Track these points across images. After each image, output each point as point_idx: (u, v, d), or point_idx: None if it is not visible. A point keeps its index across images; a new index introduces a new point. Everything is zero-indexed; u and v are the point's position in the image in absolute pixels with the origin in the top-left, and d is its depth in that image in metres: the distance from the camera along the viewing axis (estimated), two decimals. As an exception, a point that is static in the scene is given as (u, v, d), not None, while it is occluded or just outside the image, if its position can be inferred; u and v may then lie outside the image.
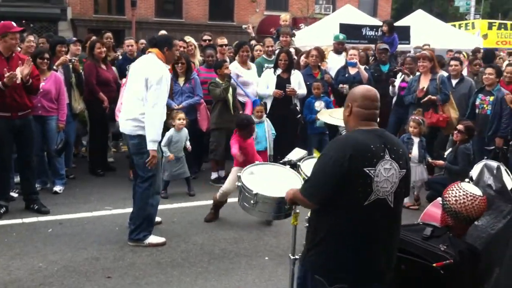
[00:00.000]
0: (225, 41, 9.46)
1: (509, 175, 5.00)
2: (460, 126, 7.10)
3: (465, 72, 10.02)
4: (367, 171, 2.89)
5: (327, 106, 8.06)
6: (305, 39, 13.44)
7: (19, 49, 7.15)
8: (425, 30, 15.25)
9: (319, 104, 8.11)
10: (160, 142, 5.66)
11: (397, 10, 35.59)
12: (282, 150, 8.08)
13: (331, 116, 4.66)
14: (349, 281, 3.01)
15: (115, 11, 27.69)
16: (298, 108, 8.29)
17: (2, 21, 6.18)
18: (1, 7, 22.43)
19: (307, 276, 3.20)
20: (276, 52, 8.86)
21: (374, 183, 2.91)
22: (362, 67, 8.88)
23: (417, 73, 8.52)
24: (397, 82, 8.90)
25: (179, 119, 7.29)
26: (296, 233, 3.99)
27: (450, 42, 15.56)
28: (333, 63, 9.45)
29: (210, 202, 7.01)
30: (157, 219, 6.19)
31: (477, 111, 7.78)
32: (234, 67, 8.37)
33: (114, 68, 8.60)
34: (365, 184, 2.90)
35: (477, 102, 7.79)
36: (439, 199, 4.53)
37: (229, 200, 6.44)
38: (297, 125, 8.43)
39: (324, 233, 3.06)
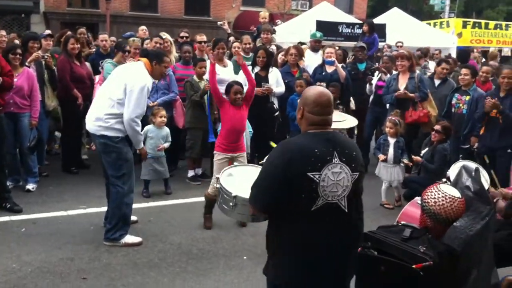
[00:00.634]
0: (204, 38, 9.37)
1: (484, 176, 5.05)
2: (437, 127, 7.16)
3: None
4: (311, 176, 2.82)
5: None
6: (282, 35, 13.43)
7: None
8: (401, 28, 15.42)
9: (302, 102, 8.08)
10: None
11: (373, 7, 35.81)
12: (258, 149, 8.09)
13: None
14: None
15: (89, 5, 27.26)
16: (275, 106, 8.25)
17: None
18: (-29, -1, 21.97)
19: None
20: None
21: (320, 187, 2.85)
22: (339, 65, 8.89)
23: (394, 72, 8.57)
24: (374, 81, 8.94)
25: (161, 117, 7.20)
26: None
27: (425, 40, 15.74)
28: (310, 61, 9.43)
29: (187, 200, 7.02)
30: (133, 218, 6.12)
31: (453, 110, 7.85)
32: (210, 65, 8.29)
33: (88, 64, 8.45)
34: (310, 189, 2.84)
35: (453, 101, 7.85)
36: (417, 198, 4.57)
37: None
38: (275, 123, 8.38)
39: (278, 243, 3.04)
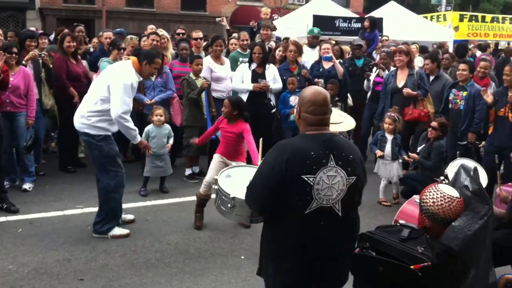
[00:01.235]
0: (200, 34, 9.31)
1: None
2: (434, 123, 7.13)
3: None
4: (305, 178, 2.82)
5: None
6: (279, 30, 13.32)
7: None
8: (398, 22, 15.37)
9: (294, 99, 8.05)
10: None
11: (370, 1, 35.68)
12: (256, 146, 8.03)
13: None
14: None
15: (85, 0, 27.12)
16: (272, 103, 8.21)
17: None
18: (-34, -4, 21.86)
19: None
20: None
21: (314, 190, 2.84)
22: (337, 62, 8.85)
23: (392, 68, 8.54)
24: (372, 77, 8.91)
25: (156, 115, 7.18)
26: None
27: (422, 34, 15.72)
28: (307, 57, 9.38)
29: (184, 199, 6.98)
30: (130, 216, 6.15)
31: (450, 106, 7.81)
32: (208, 62, 8.25)
33: (84, 62, 8.40)
34: (304, 192, 2.83)
35: (451, 97, 7.81)
36: (415, 196, 4.56)
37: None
38: (272, 120, 8.35)
39: (272, 246, 3.03)
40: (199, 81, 7.68)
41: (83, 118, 5.44)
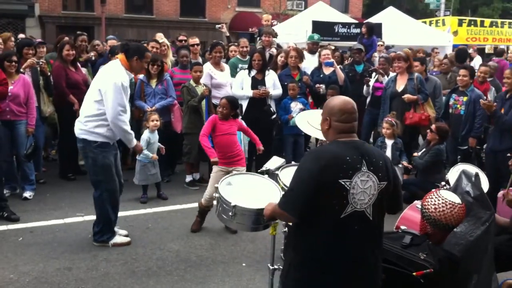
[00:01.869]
0: (196, 40, 9.33)
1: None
2: (433, 126, 7.14)
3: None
4: (342, 183, 2.86)
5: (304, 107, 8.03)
6: (278, 36, 13.39)
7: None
8: (396, 27, 15.42)
9: (295, 105, 8.05)
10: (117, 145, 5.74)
11: (368, 6, 35.78)
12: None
13: (310, 124, 4.62)
14: None
15: (84, 8, 27.13)
16: (272, 109, 8.21)
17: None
18: (-35, 4, 21.89)
19: None
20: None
21: (350, 195, 2.88)
22: (338, 67, 8.85)
23: (391, 74, 8.54)
24: (371, 82, 8.91)
25: (153, 120, 7.18)
26: (275, 242, 3.94)
27: (421, 39, 15.76)
28: (307, 63, 9.39)
29: (185, 206, 6.97)
30: (123, 232, 5.99)
31: (450, 111, 7.81)
32: (208, 68, 8.26)
33: (85, 70, 8.40)
34: (341, 196, 2.87)
35: (451, 102, 7.82)
36: (416, 202, 4.56)
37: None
38: (272, 127, 8.34)
39: (304, 253, 3.02)
40: (199, 88, 7.69)
41: (81, 123, 5.43)
